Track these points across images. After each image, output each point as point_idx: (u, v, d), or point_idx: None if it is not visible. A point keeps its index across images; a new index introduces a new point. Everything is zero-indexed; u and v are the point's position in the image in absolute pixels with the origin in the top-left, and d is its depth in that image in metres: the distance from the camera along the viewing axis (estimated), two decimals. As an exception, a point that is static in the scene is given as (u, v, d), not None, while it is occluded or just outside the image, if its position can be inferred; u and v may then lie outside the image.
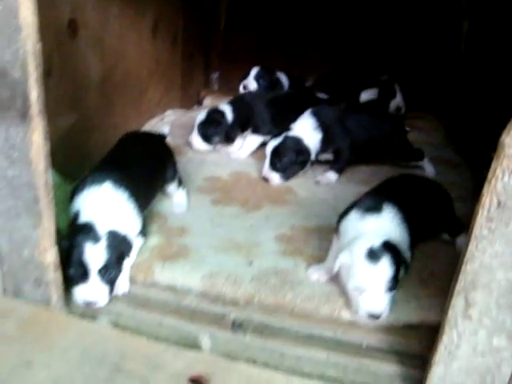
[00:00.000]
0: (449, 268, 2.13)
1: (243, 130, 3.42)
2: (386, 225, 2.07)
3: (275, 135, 3.06)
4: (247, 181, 3.05)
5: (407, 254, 2.07)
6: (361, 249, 1.92)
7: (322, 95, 3.89)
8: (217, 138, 3.36)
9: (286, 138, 3.00)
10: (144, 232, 2.26)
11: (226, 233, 2.48)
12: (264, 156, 3.07)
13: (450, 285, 1.63)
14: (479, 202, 1.44)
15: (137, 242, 2.18)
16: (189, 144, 3.41)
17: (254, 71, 4.03)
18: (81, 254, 1.90)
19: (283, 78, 4.22)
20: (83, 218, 2.01)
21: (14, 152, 1.76)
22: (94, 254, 1.91)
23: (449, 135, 4.12)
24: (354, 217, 2.11)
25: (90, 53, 2.91)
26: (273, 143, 3.00)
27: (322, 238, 2.44)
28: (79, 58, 2.81)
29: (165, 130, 3.10)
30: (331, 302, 2.05)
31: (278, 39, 4.73)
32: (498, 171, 1.38)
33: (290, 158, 2.98)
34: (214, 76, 4.74)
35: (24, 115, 1.70)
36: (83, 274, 1.91)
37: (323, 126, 3.08)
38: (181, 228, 2.49)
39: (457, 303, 1.57)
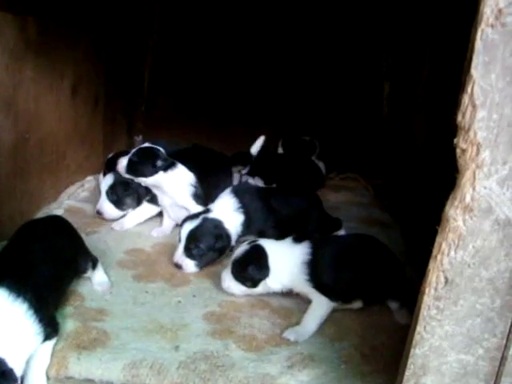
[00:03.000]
0: (391, 341, 2.09)
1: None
2: None
3: (191, 216, 2.75)
4: (172, 252, 2.79)
5: None
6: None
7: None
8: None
9: (205, 220, 2.68)
10: (55, 329, 1.94)
11: (149, 313, 2.25)
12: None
13: (395, 360, 1.51)
14: (425, 280, 1.33)
15: (46, 348, 1.89)
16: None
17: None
18: None
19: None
20: None
21: None
22: None
23: (378, 195, 4.13)
24: None
25: (1, 117, 2.70)
26: (188, 226, 2.67)
27: (253, 314, 2.30)
28: (-12, 122, 2.61)
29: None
30: (267, 384, 1.87)
31: (202, 102, 4.68)
32: (444, 246, 1.28)
33: (207, 244, 2.63)
34: (138, 139, 4.60)
35: None
36: None
37: (245, 206, 2.82)
38: (99, 309, 2.24)
39: (406, 390, 1.43)
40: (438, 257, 1.29)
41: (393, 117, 4.24)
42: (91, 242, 2.74)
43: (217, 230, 2.68)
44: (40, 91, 3.08)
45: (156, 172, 2.86)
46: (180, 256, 2.66)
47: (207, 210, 2.78)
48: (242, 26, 4.46)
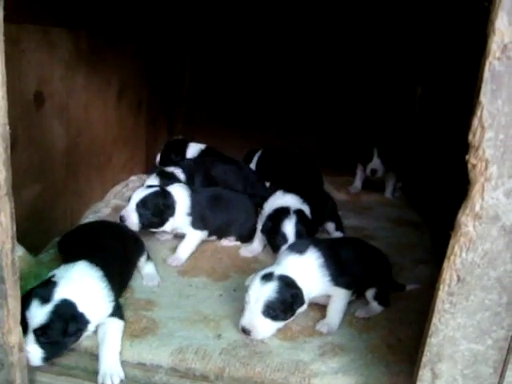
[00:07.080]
0: (415, 334, 2.21)
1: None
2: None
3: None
4: (213, 250, 3.05)
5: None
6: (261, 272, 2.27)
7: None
8: None
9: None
10: (121, 315, 2.23)
11: (194, 305, 2.48)
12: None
13: (417, 351, 1.67)
14: (440, 278, 1.50)
15: (114, 325, 2.16)
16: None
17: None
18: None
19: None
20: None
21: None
22: (33, 314, 1.94)
23: (407, 195, 4.24)
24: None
25: (55, 123, 2.95)
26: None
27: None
28: (45, 128, 2.85)
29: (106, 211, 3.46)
30: (300, 371, 2.06)
31: (239, 104, 4.85)
32: (456, 248, 1.45)
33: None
34: (178, 139, 4.80)
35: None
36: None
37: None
38: (148, 301, 2.47)
39: (424, 375, 1.62)
40: (451, 257, 1.47)
41: (425, 117, 4.32)
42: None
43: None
44: (89, 98, 3.31)
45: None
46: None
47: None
48: (278, 30, 4.61)
